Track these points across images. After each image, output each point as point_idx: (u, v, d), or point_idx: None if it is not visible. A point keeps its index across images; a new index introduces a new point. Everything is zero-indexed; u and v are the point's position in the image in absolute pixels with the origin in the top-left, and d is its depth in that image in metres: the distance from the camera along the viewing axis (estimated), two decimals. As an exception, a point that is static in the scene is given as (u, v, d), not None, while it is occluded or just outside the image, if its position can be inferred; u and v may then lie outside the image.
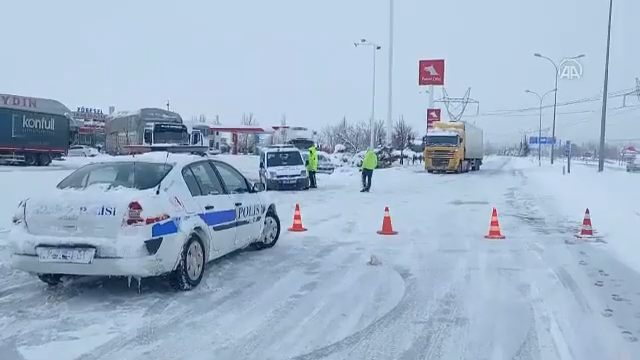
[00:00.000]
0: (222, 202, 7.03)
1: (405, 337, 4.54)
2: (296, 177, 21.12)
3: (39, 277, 6.15)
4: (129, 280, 5.74)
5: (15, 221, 5.84)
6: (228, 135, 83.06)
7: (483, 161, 54.67)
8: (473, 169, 42.39)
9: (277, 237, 8.80)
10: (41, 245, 5.54)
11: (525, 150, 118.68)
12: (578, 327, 4.81)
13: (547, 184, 23.79)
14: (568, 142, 36.43)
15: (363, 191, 20.36)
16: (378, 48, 47.96)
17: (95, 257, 5.42)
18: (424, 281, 6.46)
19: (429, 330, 4.71)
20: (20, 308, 5.32)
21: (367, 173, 21.08)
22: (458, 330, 4.73)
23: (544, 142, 69.83)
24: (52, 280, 6.14)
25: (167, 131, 31.13)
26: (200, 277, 6.25)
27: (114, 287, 5.92)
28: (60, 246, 5.49)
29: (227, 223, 7.05)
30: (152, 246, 5.54)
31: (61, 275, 6.10)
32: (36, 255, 5.56)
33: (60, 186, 6.21)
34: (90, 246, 5.43)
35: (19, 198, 6.04)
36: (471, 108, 62.16)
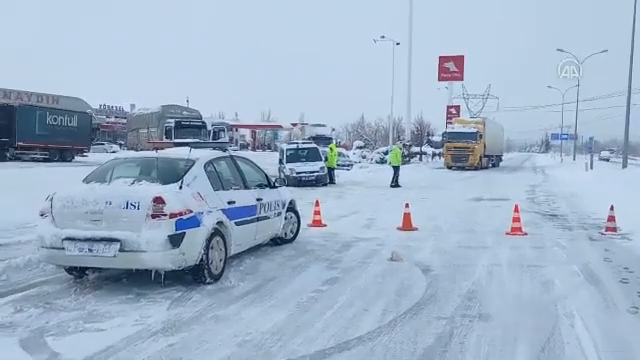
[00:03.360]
0: (244, 197, 7.07)
1: (427, 332, 4.52)
2: (315, 173, 21.16)
3: (65, 270, 6.27)
4: (153, 274, 5.82)
5: (42, 215, 5.95)
6: (247, 132, 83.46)
7: (503, 158, 54.08)
8: (493, 166, 42.00)
9: (297, 232, 8.83)
10: (67, 238, 5.65)
11: (546, 147, 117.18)
12: (603, 324, 4.75)
13: (569, 181, 23.46)
14: (591, 138, 35.83)
15: (393, 187, 20.58)
16: (397, 44, 47.66)
17: (120, 251, 5.51)
18: (446, 277, 6.44)
19: (451, 326, 4.69)
20: (47, 300, 5.43)
21: (393, 169, 21.25)
22: (481, 326, 4.70)
23: (565, 138, 68.72)
24: (78, 273, 6.26)
25: (187, 127, 31.35)
26: (222, 271, 6.31)
27: (138, 281, 6.00)
28: (86, 240, 5.59)
29: (248, 218, 7.09)
30: (175, 240, 5.61)
31: (87, 268, 6.20)
32: (63, 248, 5.67)
33: (85, 181, 6.31)
34: (115, 240, 5.52)
35: (44, 194, 6.16)
36: (491, 104, 61.38)
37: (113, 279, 6.23)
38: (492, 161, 42.18)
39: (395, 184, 20.98)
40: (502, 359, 4.01)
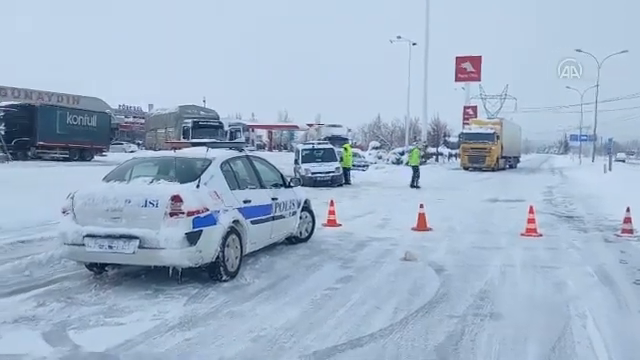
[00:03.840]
0: (259, 196, 7.19)
1: (439, 330, 4.59)
2: (330, 174, 21.25)
3: (85, 266, 6.45)
4: (170, 270, 5.96)
5: (64, 212, 6.13)
6: (263, 132, 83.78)
7: (522, 159, 53.63)
8: (510, 167, 41.66)
9: (312, 232, 8.93)
10: (88, 235, 5.81)
11: (565, 148, 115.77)
12: (615, 324, 4.77)
13: (587, 182, 23.25)
14: (610, 140, 35.41)
15: (413, 187, 20.65)
16: (414, 44, 47.72)
17: (139, 247, 5.66)
18: (458, 277, 6.48)
19: (463, 324, 4.75)
20: (69, 295, 5.60)
21: (412, 169, 21.43)
22: (492, 325, 4.76)
23: (585, 140, 67.86)
24: (98, 269, 6.43)
25: (204, 128, 31.62)
26: (238, 269, 6.43)
27: (156, 277, 6.14)
28: (106, 236, 5.75)
29: (264, 217, 7.21)
30: (192, 238, 5.74)
31: (106, 264, 6.38)
32: (83, 245, 5.84)
33: (106, 180, 6.48)
34: (134, 237, 5.66)
35: (64, 193, 6.33)
36: (509, 105, 60.85)
37: (132, 275, 6.39)
38: (509, 162, 41.85)
39: (415, 185, 20.95)
40: (513, 357, 4.06)
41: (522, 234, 9.52)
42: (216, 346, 4.22)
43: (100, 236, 5.77)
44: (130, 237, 5.69)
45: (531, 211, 9.84)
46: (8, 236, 8.55)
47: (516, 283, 6.28)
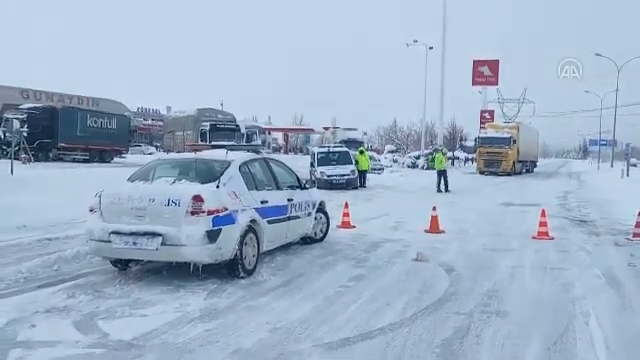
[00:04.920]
0: (276, 197, 7.47)
1: (446, 326, 4.81)
2: (345, 176, 21.49)
3: (110, 262, 6.77)
4: (191, 267, 6.26)
5: (91, 210, 6.46)
6: (279, 135, 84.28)
7: (539, 163, 53.28)
8: (527, 171, 41.50)
9: (327, 232, 9.18)
10: (114, 232, 6.14)
11: (584, 152, 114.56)
12: (617, 323, 4.95)
13: (603, 187, 23.17)
14: (628, 145, 35.11)
15: (439, 192, 20.75)
16: (430, 48, 47.88)
17: (162, 244, 5.97)
18: (468, 277, 6.69)
19: (469, 320, 4.97)
20: (96, 288, 5.92)
21: (438, 174, 21.70)
22: (498, 321, 4.96)
23: (605, 144, 67.15)
24: (122, 265, 6.76)
25: (222, 130, 32.11)
26: (255, 267, 6.70)
27: (177, 273, 6.45)
28: (131, 233, 6.06)
29: (280, 217, 7.49)
30: (212, 235, 6.03)
31: (130, 261, 6.70)
32: (110, 241, 6.16)
33: (130, 180, 6.81)
34: (157, 234, 5.97)
35: (88, 193, 6.67)
36: (527, 109, 60.46)
37: (154, 271, 6.70)
38: (526, 167, 41.69)
39: (442, 189, 20.99)
40: (515, 350, 4.27)
41: (534, 237, 9.67)
42: (235, 336, 4.49)
43: (125, 233, 6.09)
44: (153, 234, 5.99)
45: (543, 214, 9.98)
46: (35, 234, 8.98)
47: (524, 283, 6.47)
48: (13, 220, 9.65)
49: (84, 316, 4.99)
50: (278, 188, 7.76)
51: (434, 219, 10.37)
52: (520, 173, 38.25)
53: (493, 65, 55.41)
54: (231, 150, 7.62)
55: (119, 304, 5.38)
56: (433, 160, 22.65)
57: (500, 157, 35.79)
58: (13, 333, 4.51)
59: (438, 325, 4.82)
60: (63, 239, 8.62)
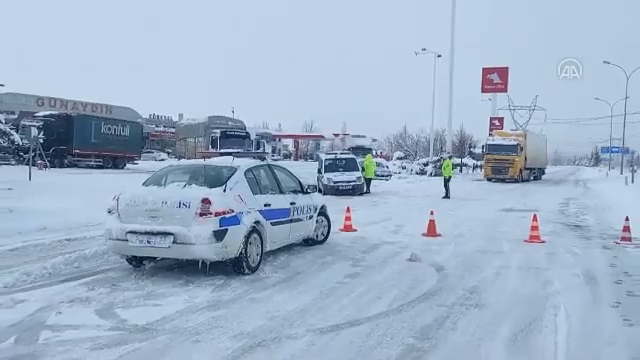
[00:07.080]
0: (279, 201, 8.05)
1: (427, 315, 5.35)
2: (352, 183, 22.02)
3: (126, 260, 7.38)
4: (200, 264, 6.85)
5: (109, 212, 7.09)
6: (290, 142, 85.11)
7: (548, 171, 53.40)
8: (535, 178, 41.74)
9: (328, 235, 9.74)
10: (130, 232, 6.75)
11: (596, 160, 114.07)
12: (583, 315, 5.46)
13: (607, 194, 23.51)
14: (632, 152, 35.36)
15: (444, 198, 21.18)
16: (439, 56, 48.47)
17: (173, 242, 6.57)
18: (455, 275, 7.21)
19: (449, 311, 5.50)
20: (113, 283, 6.53)
21: (445, 180, 22.14)
22: (475, 312, 5.49)
23: (616, 152, 67.06)
24: (137, 263, 7.36)
25: (232, 137, 32.89)
26: (258, 265, 7.28)
27: (187, 270, 7.05)
28: (145, 233, 6.67)
29: (283, 219, 8.07)
30: (219, 235, 6.62)
31: (144, 258, 7.30)
32: (126, 240, 6.77)
33: (145, 184, 7.45)
34: (169, 233, 6.58)
35: (104, 198, 7.28)
36: (538, 116, 60.53)
37: (166, 268, 7.30)
38: (534, 174, 41.91)
39: (445, 195, 21.42)
40: (486, 335, 4.80)
41: (526, 240, 10.15)
42: (238, 322, 5.06)
43: (140, 232, 6.70)
44: (166, 233, 6.60)
45: (535, 219, 10.45)
46: (55, 235, 9.63)
47: (507, 281, 6.98)
48: (34, 223, 10.33)
49: (104, 305, 5.59)
50: (281, 192, 8.34)
51: (431, 223, 10.88)
52: (528, 180, 38.51)
53: (502, 72, 55.74)
54: (237, 157, 8.21)
55: (135, 296, 5.97)
56: (444, 167, 23.08)
57: (507, 164, 36.14)
58: (43, 318, 5.12)
59: (420, 315, 5.36)
60: (81, 240, 9.26)
